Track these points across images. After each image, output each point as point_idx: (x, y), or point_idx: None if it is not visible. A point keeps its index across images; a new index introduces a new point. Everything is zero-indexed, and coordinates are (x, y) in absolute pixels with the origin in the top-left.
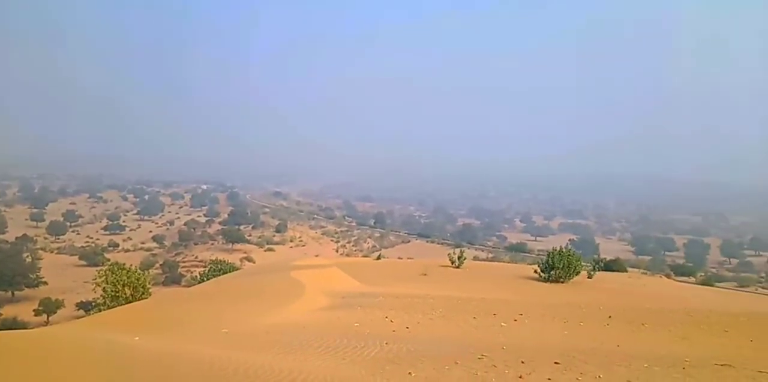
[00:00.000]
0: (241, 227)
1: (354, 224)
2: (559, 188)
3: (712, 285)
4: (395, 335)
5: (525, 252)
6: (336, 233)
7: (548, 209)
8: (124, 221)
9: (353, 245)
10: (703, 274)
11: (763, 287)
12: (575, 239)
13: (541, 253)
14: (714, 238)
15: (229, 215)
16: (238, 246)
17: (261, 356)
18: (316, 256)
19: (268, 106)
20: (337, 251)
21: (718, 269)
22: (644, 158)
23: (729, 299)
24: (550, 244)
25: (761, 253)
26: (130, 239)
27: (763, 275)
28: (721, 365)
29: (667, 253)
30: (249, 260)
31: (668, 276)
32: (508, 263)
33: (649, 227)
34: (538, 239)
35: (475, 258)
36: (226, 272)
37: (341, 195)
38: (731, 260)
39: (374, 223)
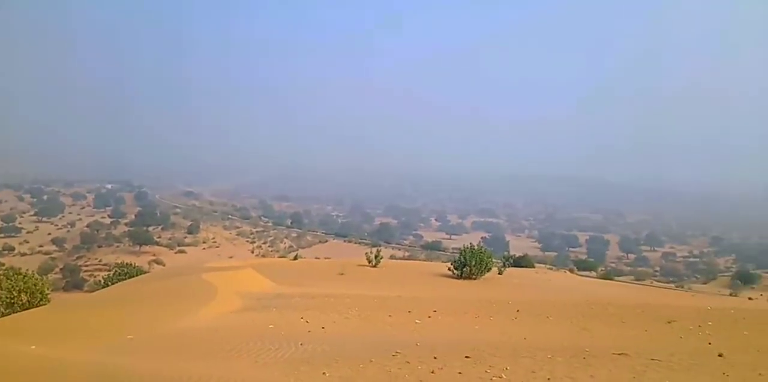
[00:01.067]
0: (150, 229)
1: (270, 224)
2: (473, 188)
3: (611, 279)
4: (311, 335)
5: (440, 250)
6: (251, 233)
7: (462, 208)
8: (20, 223)
9: (269, 246)
10: (603, 268)
11: (657, 280)
12: (487, 236)
13: (455, 251)
14: (613, 235)
15: (136, 215)
16: (146, 248)
17: (167, 362)
18: (231, 257)
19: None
20: (252, 252)
21: (617, 264)
22: (548, 158)
23: (626, 291)
24: (464, 242)
25: (655, 248)
26: (27, 242)
27: (657, 268)
28: (618, 354)
29: (570, 249)
30: (158, 262)
31: (572, 271)
32: (424, 261)
33: (554, 225)
34: (452, 237)
35: (392, 257)
36: (133, 276)
37: (257, 195)
38: (629, 255)
39: (291, 223)
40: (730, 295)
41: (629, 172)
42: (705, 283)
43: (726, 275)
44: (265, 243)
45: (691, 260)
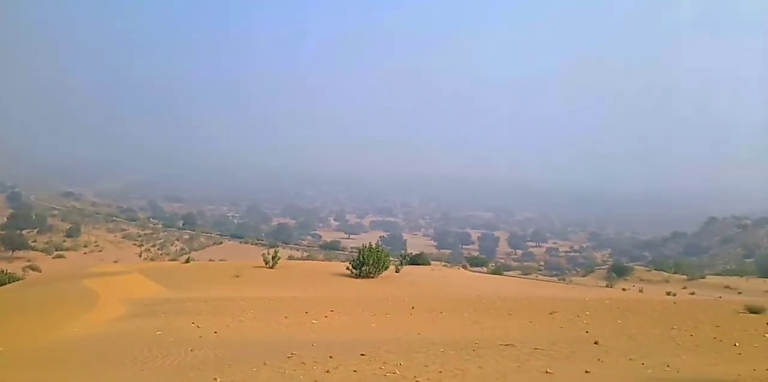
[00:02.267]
0: (24, 232)
1: (160, 225)
2: (372, 187)
3: (500, 274)
4: (202, 340)
5: (339, 250)
6: (139, 236)
7: (361, 208)
8: None
9: (159, 249)
10: (493, 264)
11: (542, 274)
12: (385, 235)
13: (354, 250)
14: (503, 232)
15: (8, 218)
16: (20, 253)
17: (42, 375)
18: (116, 262)
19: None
20: (140, 256)
21: (506, 259)
22: (443, 158)
23: (514, 285)
24: (362, 241)
25: (540, 244)
26: None
27: (542, 263)
28: (505, 344)
29: (464, 246)
30: (34, 268)
31: (465, 267)
32: (323, 261)
33: (449, 223)
34: (351, 236)
35: (290, 257)
36: (4, 283)
37: (147, 195)
38: (516, 250)
39: (183, 224)
40: (606, 286)
41: (518, 172)
42: (584, 276)
43: (603, 268)
44: (154, 246)
45: (572, 254)
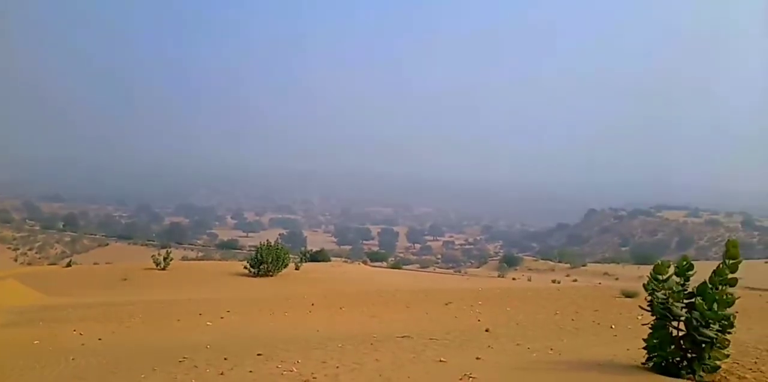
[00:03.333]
0: None
1: (38, 227)
2: (270, 185)
3: (400, 268)
4: (84, 348)
5: (236, 249)
6: (14, 239)
7: (259, 206)
8: None
9: (37, 253)
10: (393, 259)
11: (439, 267)
12: (285, 233)
13: (252, 249)
14: (402, 226)
15: None
16: None
17: None
18: None
19: None
20: (15, 260)
21: (405, 254)
22: (343, 154)
23: (413, 279)
24: (261, 239)
25: (438, 238)
26: None
27: (439, 256)
28: (402, 337)
29: (364, 241)
30: None
31: (365, 263)
32: (220, 260)
33: (349, 219)
34: (249, 235)
35: (184, 258)
36: None
37: (22, 195)
38: (415, 244)
39: (63, 226)
40: (498, 276)
41: (412, 168)
42: (478, 267)
43: (495, 259)
44: (31, 249)
45: (467, 247)
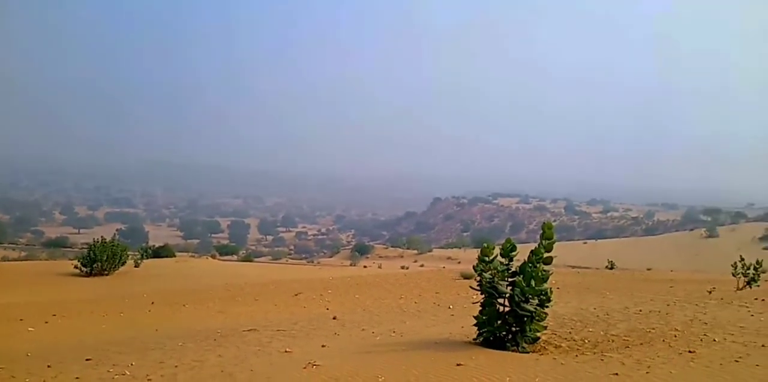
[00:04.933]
0: None
1: None
2: (105, 177)
3: (251, 261)
4: None
5: (67, 247)
6: None
7: (93, 199)
8: None
9: None
10: (244, 251)
11: (292, 258)
12: (123, 228)
13: (84, 246)
14: (253, 218)
15: None
16: None
17: None
18: None
19: None
20: None
21: (257, 246)
22: (194, 146)
23: (264, 271)
24: (96, 235)
25: (290, 229)
26: None
27: (292, 247)
28: (248, 330)
29: (213, 235)
30: None
31: (214, 257)
32: (46, 260)
33: (196, 212)
34: (82, 231)
35: (5, 259)
36: None
37: None
38: (267, 236)
39: None
40: (350, 265)
41: (266, 161)
42: (331, 256)
43: (347, 248)
44: None
45: (320, 237)
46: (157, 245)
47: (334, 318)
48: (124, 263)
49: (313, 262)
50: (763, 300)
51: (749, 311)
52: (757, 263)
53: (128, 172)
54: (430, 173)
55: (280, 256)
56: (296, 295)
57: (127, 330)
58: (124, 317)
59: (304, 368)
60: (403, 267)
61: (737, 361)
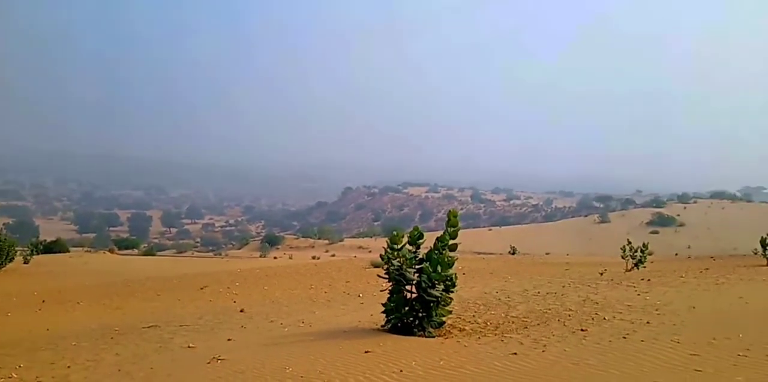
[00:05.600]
0: None
1: None
2: None
3: (153, 254)
4: None
5: None
6: None
7: None
8: None
9: None
10: (146, 245)
11: (198, 251)
12: (10, 222)
13: None
14: (156, 210)
15: None
16: None
17: None
18: None
19: None
20: None
21: (160, 239)
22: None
23: (167, 265)
24: None
25: (196, 221)
26: None
27: (198, 239)
28: (148, 327)
29: (111, 228)
30: None
31: (112, 251)
32: None
33: (92, 204)
34: None
35: None
36: None
37: None
38: (171, 229)
39: None
40: (260, 257)
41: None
42: (240, 248)
43: (257, 239)
44: None
45: (228, 228)
46: (48, 240)
47: (242, 311)
48: (12, 260)
49: (220, 254)
50: (648, 280)
51: (636, 290)
52: (644, 246)
53: (14, 162)
54: (341, 163)
55: (185, 249)
56: (202, 288)
57: (15, 331)
58: (11, 317)
59: (208, 363)
60: (314, 257)
61: (624, 337)
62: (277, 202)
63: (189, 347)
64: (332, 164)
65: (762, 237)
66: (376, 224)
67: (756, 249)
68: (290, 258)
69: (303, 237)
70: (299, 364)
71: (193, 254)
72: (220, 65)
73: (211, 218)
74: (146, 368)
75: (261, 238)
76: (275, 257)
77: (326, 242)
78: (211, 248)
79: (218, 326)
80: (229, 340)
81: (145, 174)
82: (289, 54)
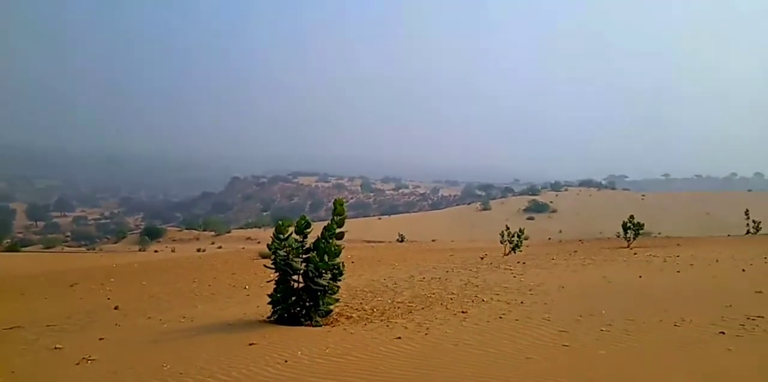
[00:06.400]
0: None
1: None
2: None
3: (17, 250)
4: None
5: None
6: None
7: None
8: None
9: None
10: (9, 240)
11: (69, 246)
12: None
13: None
14: (20, 203)
15: None
16: None
17: None
18: None
19: None
20: None
21: (25, 234)
22: None
23: (33, 262)
24: None
25: (66, 213)
26: None
27: (69, 233)
28: (10, 328)
29: None
30: None
31: None
32: None
33: None
34: None
35: None
36: None
37: None
38: (38, 223)
39: None
40: (140, 250)
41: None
42: (116, 242)
43: (136, 232)
44: None
45: (103, 221)
46: None
47: (116, 308)
48: None
49: (94, 249)
50: (524, 263)
51: (512, 273)
52: (520, 231)
53: None
54: (227, 153)
55: (54, 244)
56: (72, 286)
57: None
58: None
59: (77, 363)
60: (199, 250)
61: (501, 317)
62: (157, 193)
63: (56, 348)
64: (219, 154)
65: (623, 221)
66: (265, 214)
67: (618, 232)
68: (173, 251)
69: (187, 229)
70: (178, 360)
71: (62, 249)
72: (97, 44)
73: (83, 211)
74: (7, 372)
75: (140, 231)
76: (156, 251)
77: (212, 233)
78: (83, 242)
79: (89, 324)
80: (101, 339)
81: (5, 163)
82: (179, 40)
